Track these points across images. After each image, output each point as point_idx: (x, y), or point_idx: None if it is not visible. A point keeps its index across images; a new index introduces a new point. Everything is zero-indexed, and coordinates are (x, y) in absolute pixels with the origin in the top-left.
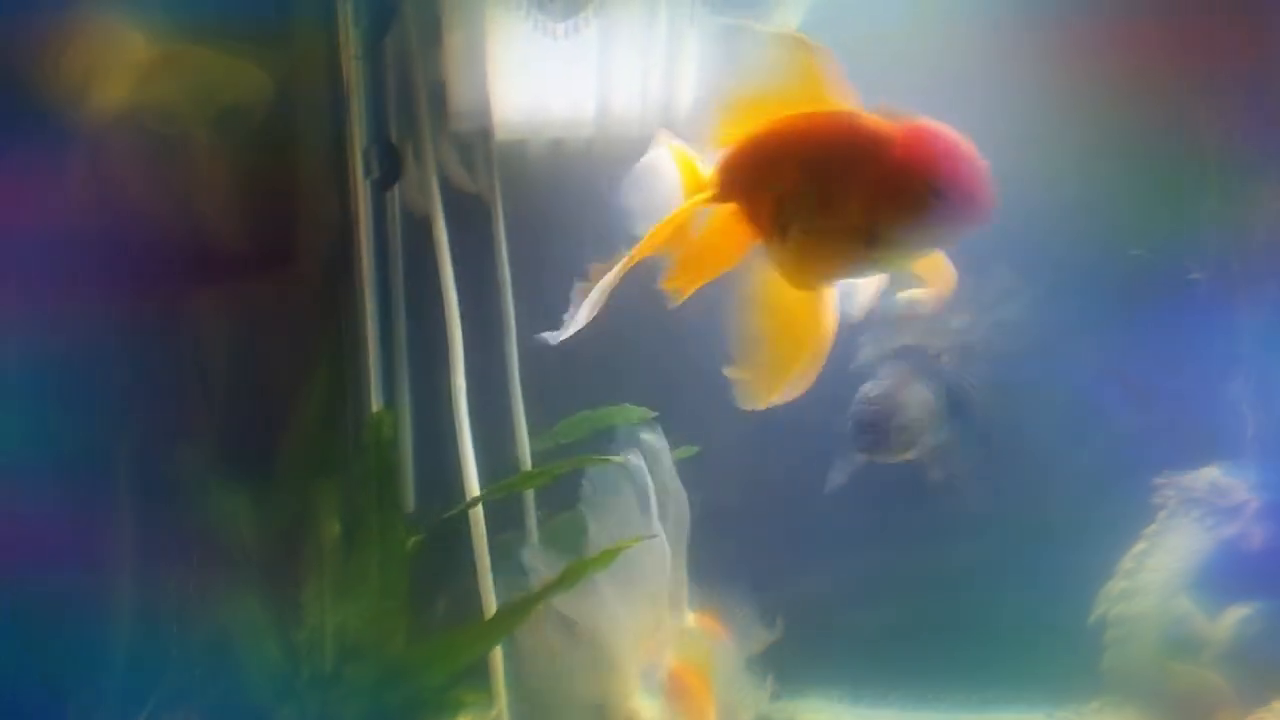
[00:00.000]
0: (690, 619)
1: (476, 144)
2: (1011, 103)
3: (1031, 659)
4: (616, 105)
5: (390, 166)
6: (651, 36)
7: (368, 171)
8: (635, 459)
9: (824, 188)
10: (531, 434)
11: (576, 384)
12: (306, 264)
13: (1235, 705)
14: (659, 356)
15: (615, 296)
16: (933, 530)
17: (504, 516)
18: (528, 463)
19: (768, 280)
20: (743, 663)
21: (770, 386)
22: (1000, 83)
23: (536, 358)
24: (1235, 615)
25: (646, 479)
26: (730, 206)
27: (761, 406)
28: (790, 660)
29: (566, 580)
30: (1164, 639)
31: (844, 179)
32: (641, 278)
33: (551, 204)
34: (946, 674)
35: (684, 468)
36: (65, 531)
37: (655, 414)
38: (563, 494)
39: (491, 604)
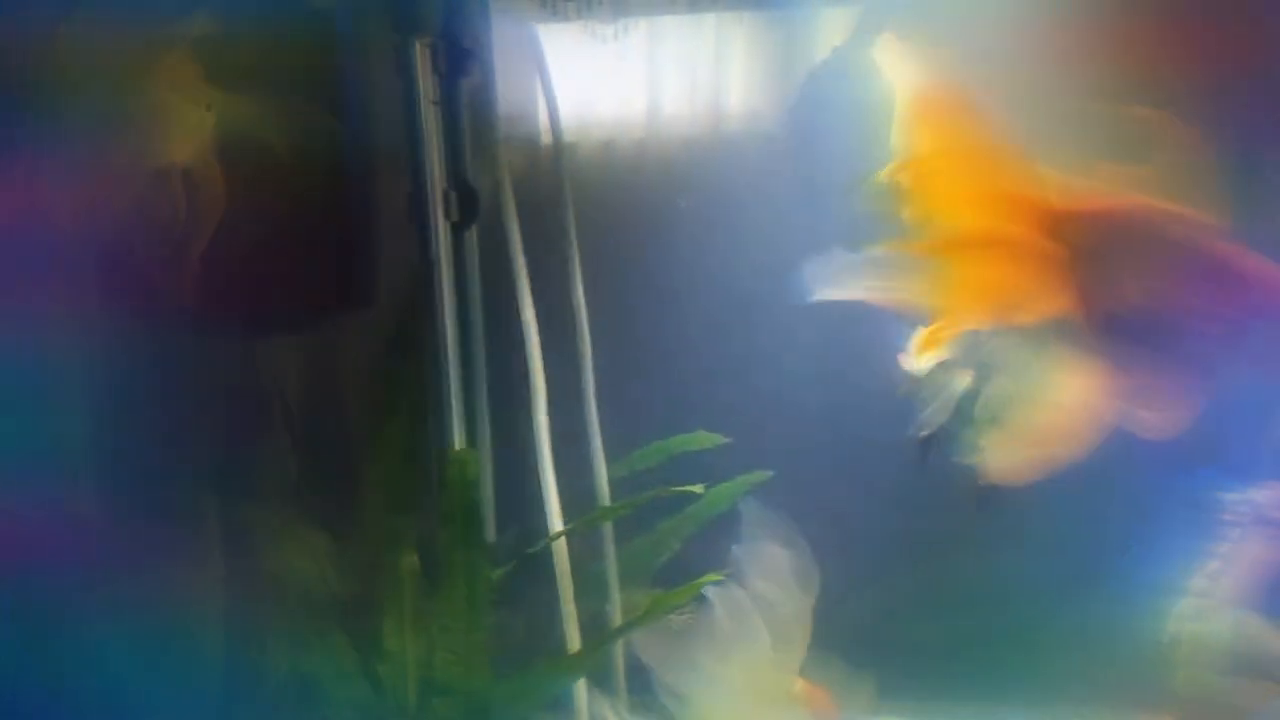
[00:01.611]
0: (798, 690)
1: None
2: None
3: (1101, 675)
4: (667, 106)
5: (469, 208)
6: (701, 36)
7: (447, 213)
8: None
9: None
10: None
11: (651, 410)
12: (388, 305)
13: None
14: (731, 383)
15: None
16: (999, 544)
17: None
18: (605, 491)
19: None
20: None
21: (1024, 465)
22: None
23: (611, 385)
24: None
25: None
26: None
27: (1005, 481)
28: (857, 679)
29: (650, 614)
30: (1236, 658)
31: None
32: (699, 302)
33: (612, 212)
34: (1013, 690)
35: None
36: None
37: (728, 440)
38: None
39: (575, 637)
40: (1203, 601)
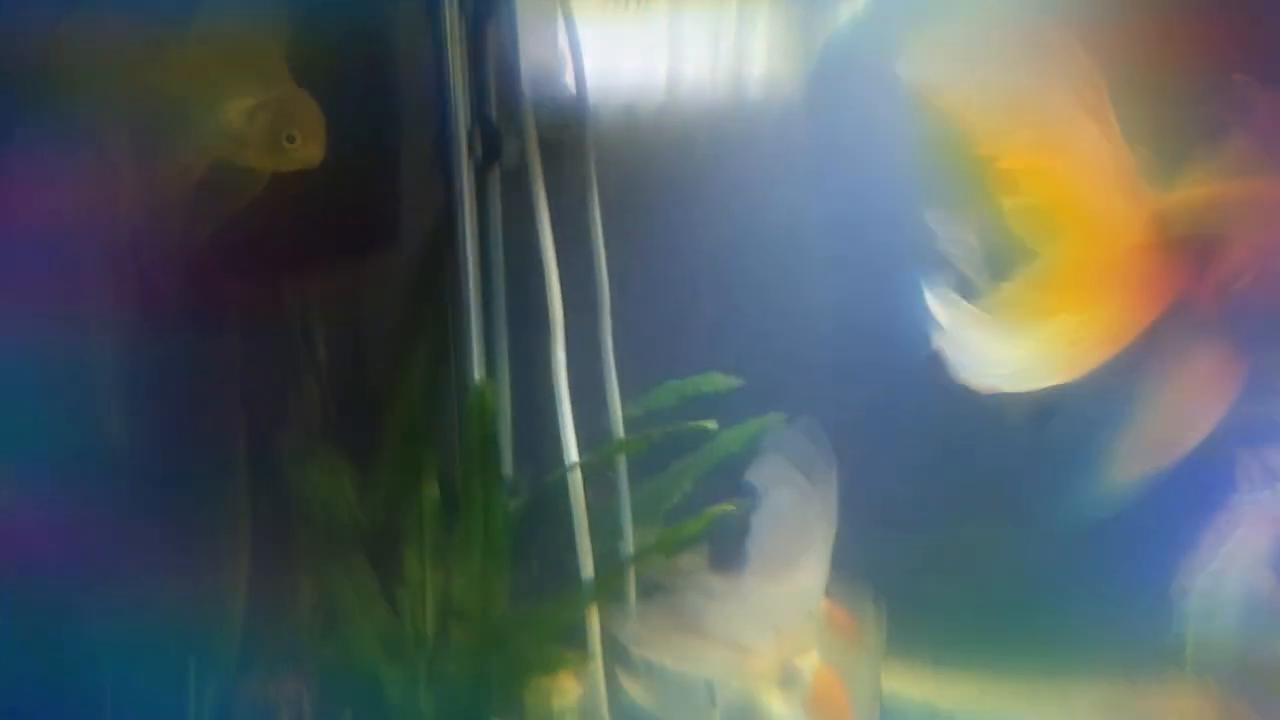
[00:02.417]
0: (823, 608)
1: (569, 112)
2: None
3: (1112, 630)
4: (688, 71)
5: (491, 146)
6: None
7: (470, 151)
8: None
9: None
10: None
11: (669, 351)
12: (411, 241)
13: None
14: (748, 326)
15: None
16: (1011, 500)
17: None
18: (620, 430)
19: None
20: (877, 662)
21: (1153, 459)
22: None
23: (629, 327)
24: None
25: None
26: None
27: (1135, 476)
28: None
29: (658, 547)
30: (1246, 614)
31: None
32: (725, 248)
33: (636, 178)
34: (1026, 642)
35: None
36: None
37: (741, 382)
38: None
39: (589, 566)
40: (1213, 557)
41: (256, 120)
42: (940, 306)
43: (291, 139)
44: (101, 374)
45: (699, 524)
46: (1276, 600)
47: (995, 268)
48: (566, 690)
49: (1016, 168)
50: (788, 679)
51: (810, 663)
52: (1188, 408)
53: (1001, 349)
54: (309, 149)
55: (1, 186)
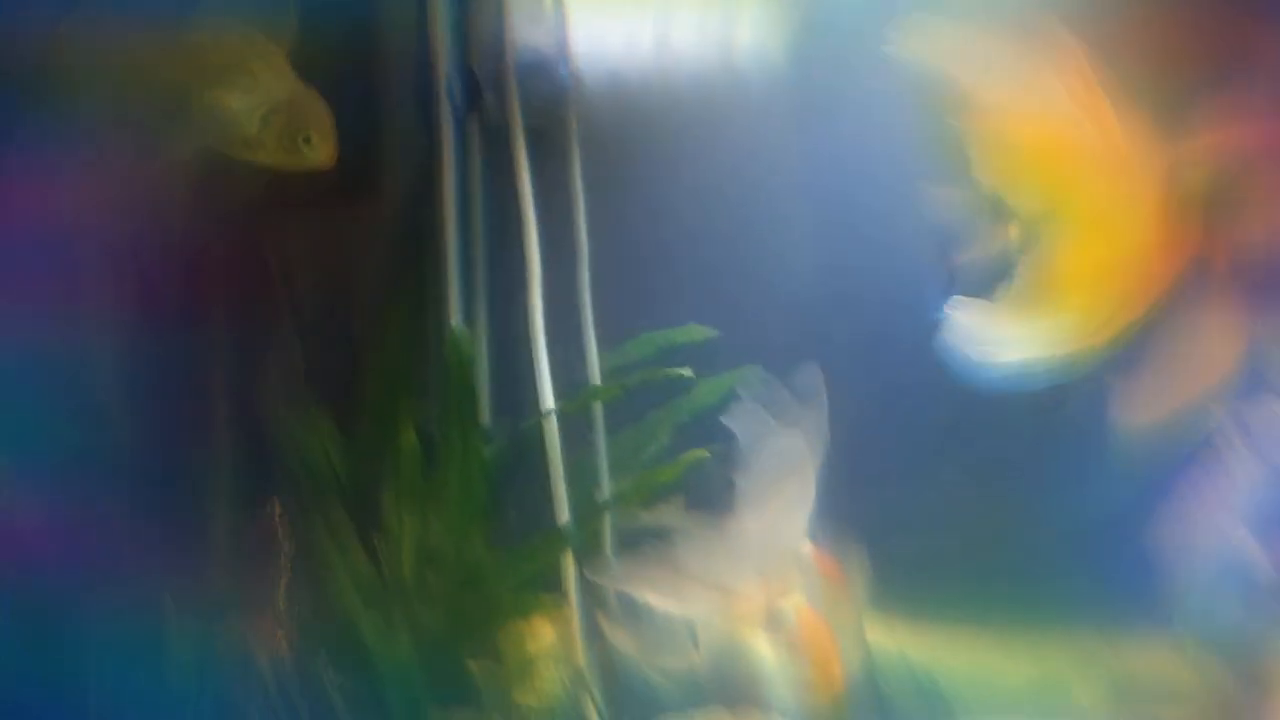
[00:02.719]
0: (806, 550)
1: (551, 67)
2: None
3: (1085, 582)
4: (675, 31)
5: (472, 95)
6: None
7: (451, 97)
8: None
9: None
10: (601, 350)
11: (648, 306)
12: (391, 188)
13: None
14: (726, 278)
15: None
16: (988, 456)
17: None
18: (597, 379)
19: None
20: (862, 605)
21: (1162, 407)
22: None
23: (609, 280)
24: None
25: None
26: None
27: (1144, 422)
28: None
29: (633, 492)
30: (1217, 565)
31: None
32: (707, 204)
33: (618, 134)
34: (1002, 595)
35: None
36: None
37: (718, 334)
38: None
39: (564, 512)
40: (1185, 509)
41: (271, 124)
42: (955, 307)
43: (308, 140)
44: (101, 370)
45: (674, 470)
46: (1248, 551)
47: (1002, 247)
48: (542, 635)
49: (1015, 146)
50: (772, 621)
51: (795, 605)
52: (1197, 361)
53: (1018, 330)
54: (324, 149)
55: (1, 186)
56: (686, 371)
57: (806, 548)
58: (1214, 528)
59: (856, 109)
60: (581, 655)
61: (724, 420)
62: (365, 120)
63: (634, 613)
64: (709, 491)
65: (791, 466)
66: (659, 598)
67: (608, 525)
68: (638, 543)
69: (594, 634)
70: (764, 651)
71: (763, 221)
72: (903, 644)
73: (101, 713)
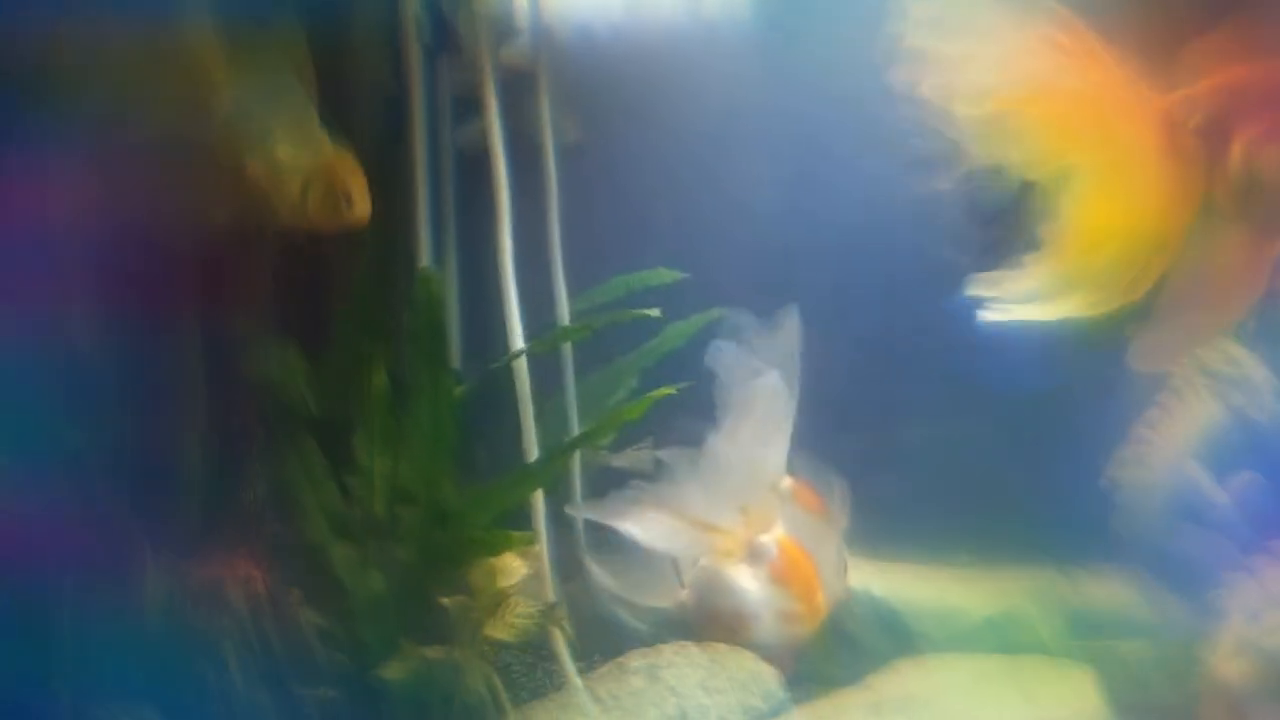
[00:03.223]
0: (786, 485)
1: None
2: None
3: (1045, 520)
4: None
5: (441, 34)
6: None
7: (420, 38)
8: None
9: None
10: (571, 296)
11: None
12: (361, 130)
13: (1238, 563)
14: (695, 223)
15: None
16: (949, 398)
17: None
18: (567, 320)
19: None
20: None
21: (1183, 346)
22: None
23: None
24: (1241, 480)
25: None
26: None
27: (1167, 366)
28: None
29: (601, 429)
30: (1173, 502)
31: None
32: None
33: (588, 81)
34: (962, 533)
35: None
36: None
37: (685, 275)
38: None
39: (533, 451)
40: (1143, 448)
41: (312, 191)
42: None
43: (350, 202)
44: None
45: (640, 406)
46: (1202, 488)
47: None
48: (513, 570)
49: (1014, 120)
50: (754, 555)
51: (776, 538)
52: (1218, 298)
53: (1050, 290)
54: (362, 206)
55: (1, 187)
56: (654, 312)
57: (787, 482)
58: (1170, 466)
59: (822, 59)
60: (552, 591)
61: (706, 359)
62: (335, 62)
63: (620, 550)
64: (686, 431)
65: (768, 404)
66: (643, 534)
67: (577, 465)
68: (615, 483)
69: (565, 570)
70: (747, 584)
71: (731, 168)
72: (867, 580)
73: (75, 655)
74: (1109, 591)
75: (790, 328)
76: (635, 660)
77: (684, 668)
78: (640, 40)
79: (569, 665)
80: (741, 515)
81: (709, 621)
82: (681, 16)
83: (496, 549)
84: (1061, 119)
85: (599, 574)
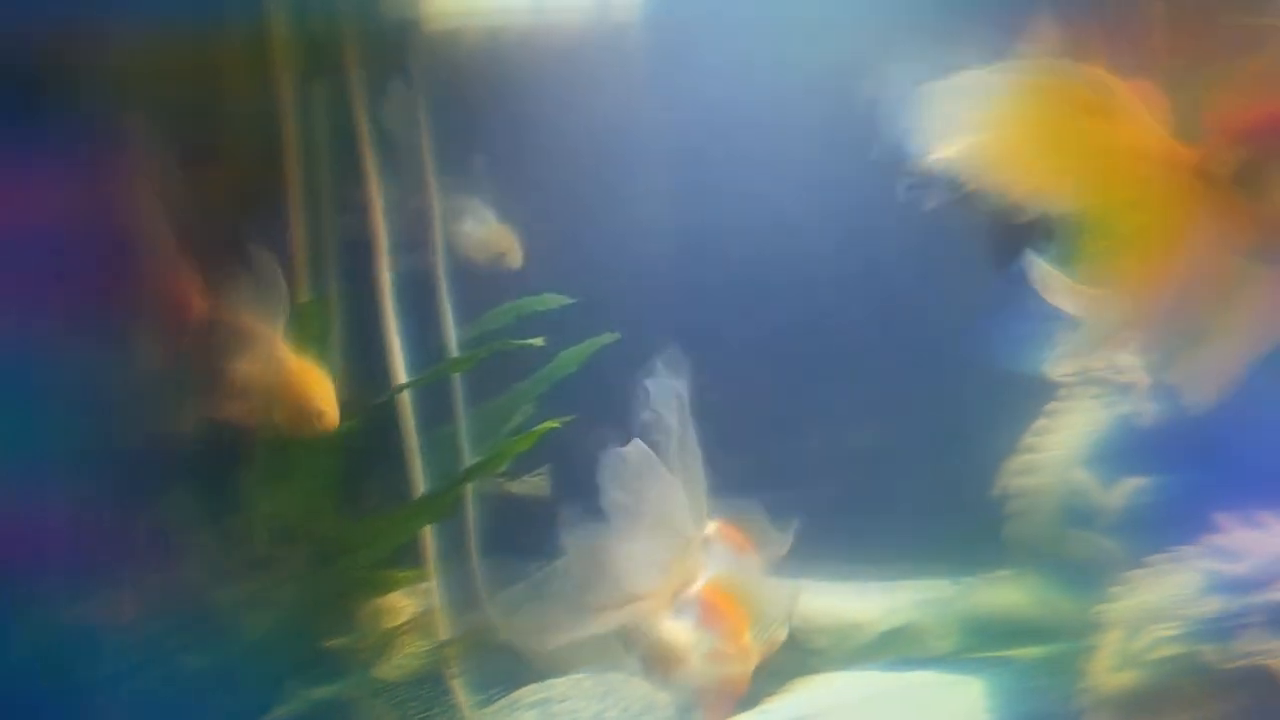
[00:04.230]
0: (712, 530)
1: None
2: None
3: (938, 531)
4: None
5: (315, 57)
6: None
7: (294, 64)
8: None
9: None
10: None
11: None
12: (233, 159)
13: (1126, 567)
14: (586, 250)
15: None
16: (843, 412)
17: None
18: (454, 350)
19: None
20: (770, 571)
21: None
22: None
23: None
24: (1128, 486)
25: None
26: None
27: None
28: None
29: (493, 462)
30: (1063, 509)
31: None
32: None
33: (488, 93)
34: (857, 548)
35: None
36: None
37: (575, 300)
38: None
39: (420, 486)
40: (1032, 457)
41: (280, 404)
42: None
43: (320, 416)
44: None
45: (528, 439)
46: (1090, 494)
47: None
48: (401, 610)
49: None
50: (680, 608)
51: (699, 589)
52: (1251, 334)
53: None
54: (331, 415)
55: (2, 186)
56: (538, 341)
57: (711, 527)
58: (1059, 474)
59: (717, 69)
60: (443, 628)
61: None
62: (206, 87)
63: (506, 578)
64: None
65: (657, 473)
66: (568, 637)
67: (471, 496)
68: (514, 510)
69: (465, 600)
70: (680, 638)
71: (622, 184)
72: None
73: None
74: (1003, 600)
75: (673, 371)
76: (529, 695)
77: (578, 700)
78: (526, 54)
79: (463, 702)
80: (663, 574)
81: (649, 672)
82: (569, 26)
83: (382, 589)
84: (1080, 151)
85: (485, 610)
